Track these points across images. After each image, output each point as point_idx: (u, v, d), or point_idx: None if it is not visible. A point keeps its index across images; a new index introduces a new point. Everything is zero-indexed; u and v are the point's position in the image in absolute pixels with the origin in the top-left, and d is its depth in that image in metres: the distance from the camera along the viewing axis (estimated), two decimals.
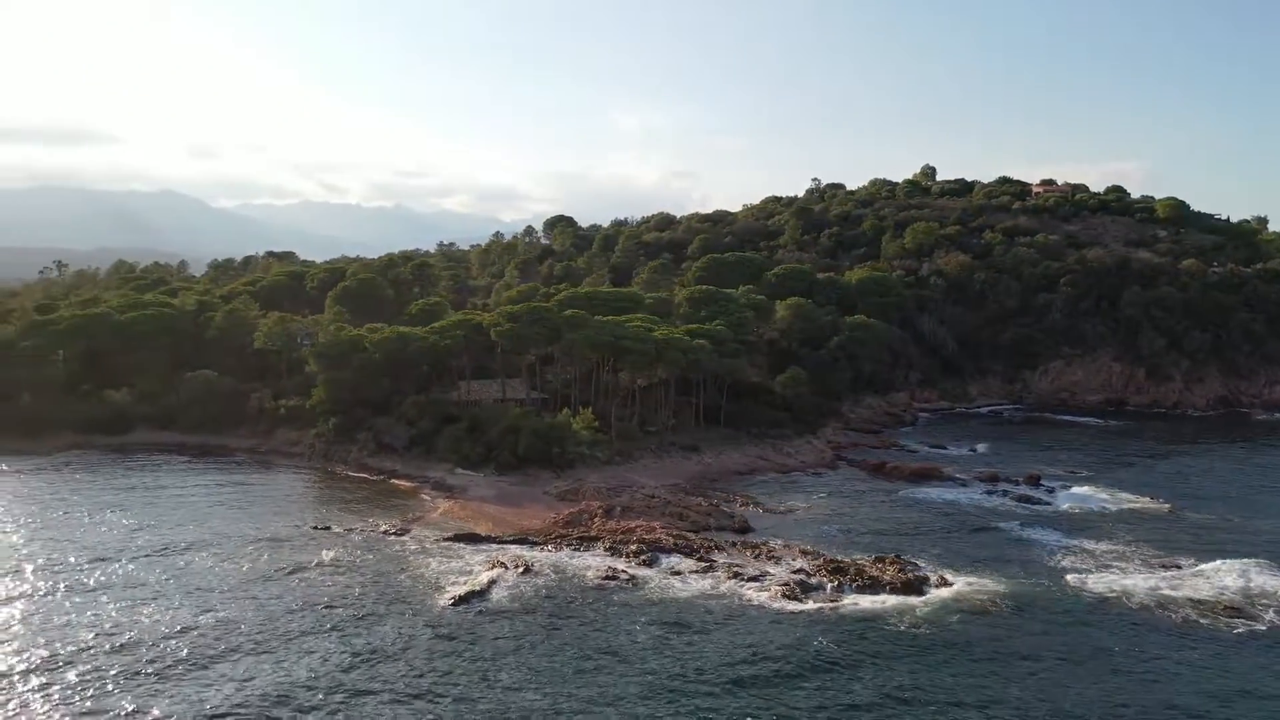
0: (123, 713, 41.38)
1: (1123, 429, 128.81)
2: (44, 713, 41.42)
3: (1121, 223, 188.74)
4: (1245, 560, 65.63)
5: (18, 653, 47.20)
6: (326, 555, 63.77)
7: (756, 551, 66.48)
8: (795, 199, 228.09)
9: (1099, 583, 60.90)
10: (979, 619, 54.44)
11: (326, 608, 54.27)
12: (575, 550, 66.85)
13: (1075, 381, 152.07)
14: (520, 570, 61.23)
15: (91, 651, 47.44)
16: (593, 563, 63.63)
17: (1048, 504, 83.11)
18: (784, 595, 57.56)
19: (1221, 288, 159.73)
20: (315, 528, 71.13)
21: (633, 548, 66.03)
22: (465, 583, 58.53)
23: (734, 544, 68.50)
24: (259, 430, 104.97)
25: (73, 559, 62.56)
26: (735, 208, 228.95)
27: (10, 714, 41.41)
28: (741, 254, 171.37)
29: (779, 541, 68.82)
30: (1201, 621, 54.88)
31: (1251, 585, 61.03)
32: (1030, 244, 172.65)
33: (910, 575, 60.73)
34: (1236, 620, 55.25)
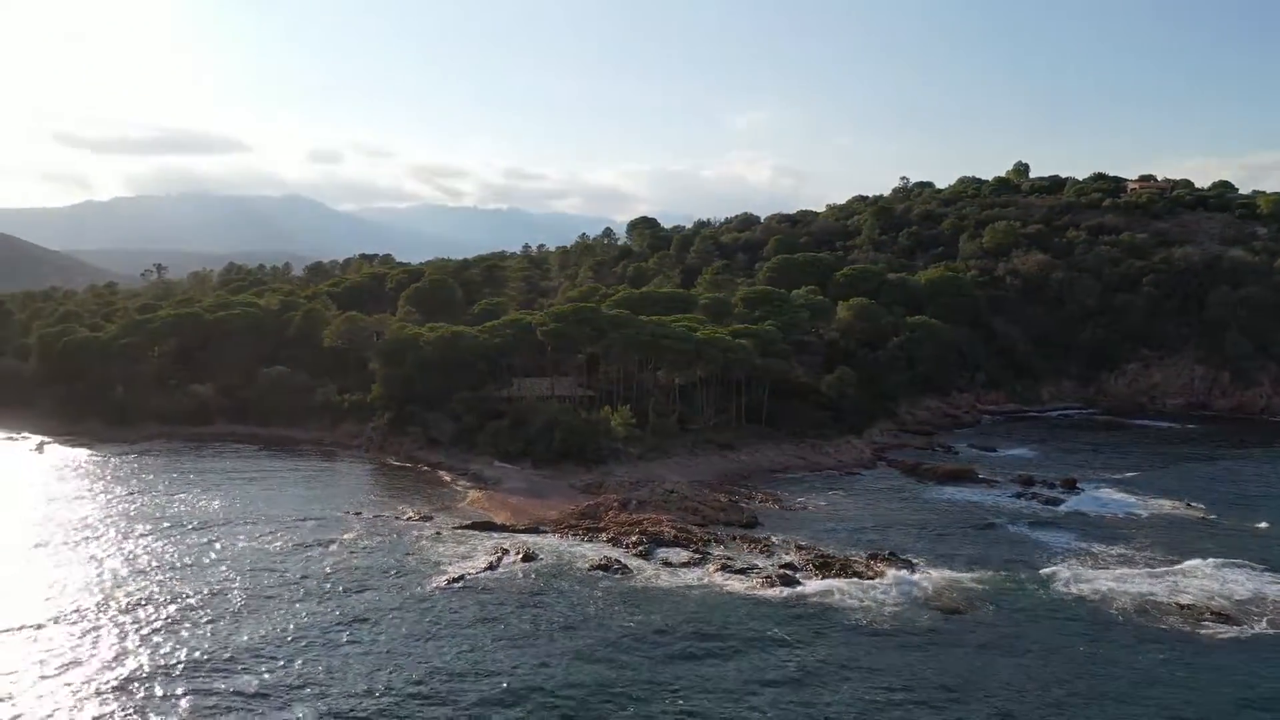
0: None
1: (1198, 434, 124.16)
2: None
3: (1219, 219, 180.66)
4: (1257, 566, 64.38)
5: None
6: (347, 536, 68.98)
7: (754, 546, 68.37)
8: (880, 198, 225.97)
9: (1083, 583, 60.65)
10: (944, 614, 55.33)
11: (325, 579, 59.38)
12: (580, 540, 70.11)
13: (1155, 384, 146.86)
14: (521, 556, 64.69)
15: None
16: (592, 552, 66.59)
17: (1071, 507, 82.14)
18: (763, 585, 59.54)
19: None
20: (349, 513, 76.56)
21: (633, 539, 68.84)
22: (463, 566, 62.60)
23: (734, 538, 70.51)
24: (325, 423, 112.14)
25: (112, 532, 70.03)
26: None
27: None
28: (814, 254, 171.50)
29: (779, 537, 70.57)
30: (1179, 626, 54.36)
31: (1248, 591, 59.90)
32: (1114, 242, 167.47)
33: (891, 570, 61.93)
34: (1223, 626, 54.53)
